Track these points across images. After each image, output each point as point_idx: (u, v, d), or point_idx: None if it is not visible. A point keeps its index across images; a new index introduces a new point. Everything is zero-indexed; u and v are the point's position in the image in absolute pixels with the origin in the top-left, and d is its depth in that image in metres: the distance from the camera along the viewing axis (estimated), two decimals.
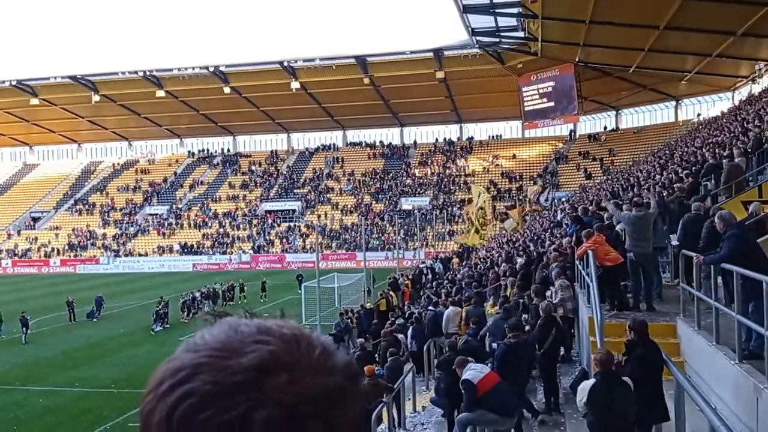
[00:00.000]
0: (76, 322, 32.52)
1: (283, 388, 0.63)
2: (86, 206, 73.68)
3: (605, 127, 68.01)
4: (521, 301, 12.94)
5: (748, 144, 17.10)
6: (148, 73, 64.83)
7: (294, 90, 63.96)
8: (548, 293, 11.48)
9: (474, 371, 7.73)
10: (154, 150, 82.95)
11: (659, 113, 64.58)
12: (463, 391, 7.71)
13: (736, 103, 45.52)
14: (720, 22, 33.80)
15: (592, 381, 6.18)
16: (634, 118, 67.39)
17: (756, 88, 42.30)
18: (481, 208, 44.48)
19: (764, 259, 6.81)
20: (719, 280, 7.35)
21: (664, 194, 15.02)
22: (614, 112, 67.42)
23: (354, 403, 0.67)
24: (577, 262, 11.79)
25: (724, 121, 33.91)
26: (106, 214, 71.87)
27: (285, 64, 62.50)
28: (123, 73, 65.85)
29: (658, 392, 6.20)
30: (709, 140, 26.40)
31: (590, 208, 17.01)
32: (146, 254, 63.94)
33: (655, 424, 6.28)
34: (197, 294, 34.12)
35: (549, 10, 37.22)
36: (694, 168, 18.68)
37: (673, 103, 62.28)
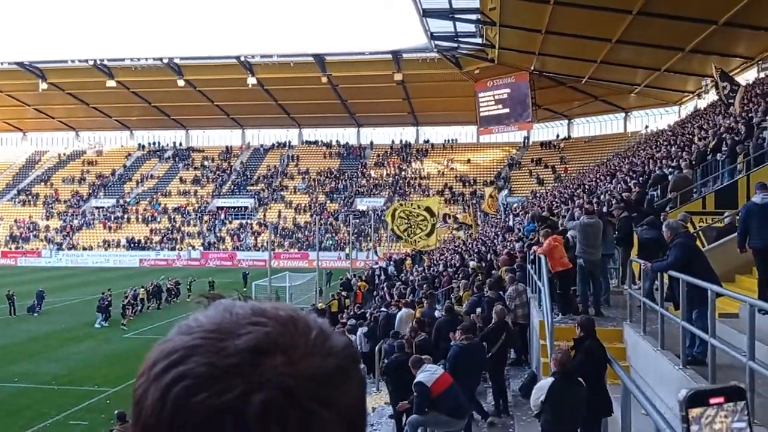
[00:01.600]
0: (17, 316, 31.46)
1: (280, 370, 0.61)
2: (29, 197, 71.03)
3: (558, 136, 69.44)
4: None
5: (692, 156, 17.72)
6: (99, 62, 62.95)
7: (250, 86, 63.08)
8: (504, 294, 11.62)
9: (428, 373, 7.76)
10: (102, 141, 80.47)
11: (609, 124, 66.35)
12: (415, 393, 7.72)
13: (683, 116, 47.14)
14: (670, 38, 34.96)
15: (549, 380, 6.27)
16: (585, 127, 69.02)
17: (701, 103, 43.82)
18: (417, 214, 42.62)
19: (708, 268, 7.05)
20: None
21: (613, 202, 15.43)
22: (567, 121, 68.90)
23: (353, 385, 0.65)
24: (528, 266, 11.97)
25: (670, 134, 35.04)
26: (50, 205, 69.43)
27: (242, 59, 61.62)
28: (73, 61, 63.73)
29: (602, 387, 6.55)
30: (656, 151, 27.26)
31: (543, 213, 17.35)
32: (91, 248, 62.07)
33: (603, 417, 6.47)
34: (140, 290, 33.35)
35: (506, 18, 37.80)
36: (641, 178, 19.26)
37: (623, 114, 64.03)
